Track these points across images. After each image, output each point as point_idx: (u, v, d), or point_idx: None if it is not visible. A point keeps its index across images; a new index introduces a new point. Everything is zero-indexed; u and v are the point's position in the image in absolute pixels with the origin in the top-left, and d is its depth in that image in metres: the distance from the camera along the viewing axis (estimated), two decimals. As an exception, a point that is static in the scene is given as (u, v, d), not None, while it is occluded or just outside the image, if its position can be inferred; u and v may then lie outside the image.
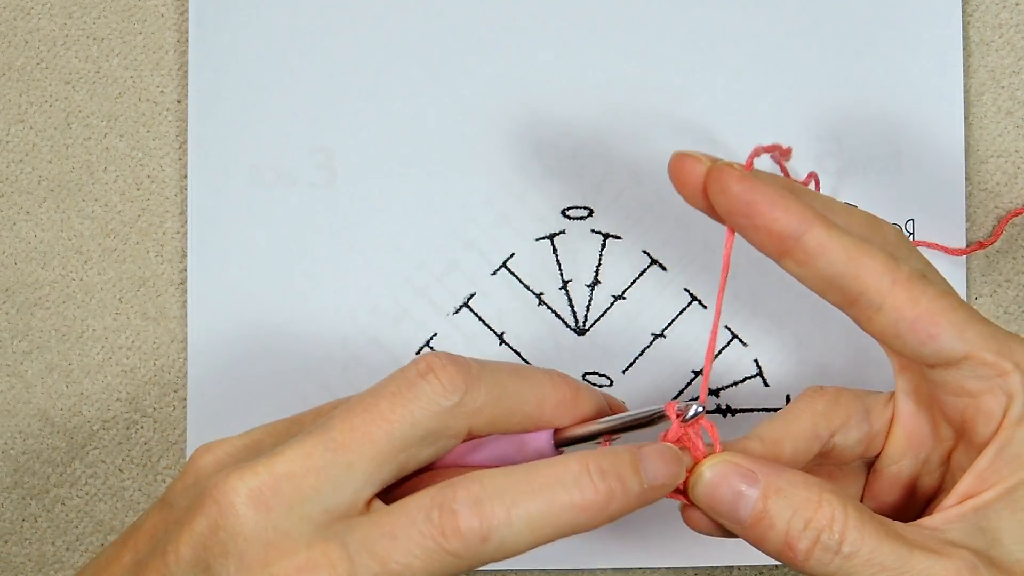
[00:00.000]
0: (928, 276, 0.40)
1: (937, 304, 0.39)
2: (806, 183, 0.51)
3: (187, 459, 0.46)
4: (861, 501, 0.44)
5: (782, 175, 0.43)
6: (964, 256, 0.54)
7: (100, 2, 0.56)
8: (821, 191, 0.52)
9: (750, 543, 0.40)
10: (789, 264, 0.40)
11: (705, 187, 0.40)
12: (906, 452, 0.43)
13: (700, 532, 0.41)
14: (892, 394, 0.44)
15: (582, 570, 0.54)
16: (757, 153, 0.41)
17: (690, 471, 0.40)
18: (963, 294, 0.54)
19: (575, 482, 0.38)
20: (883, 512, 0.44)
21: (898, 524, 0.39)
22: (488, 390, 0.39)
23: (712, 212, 0.41)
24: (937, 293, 0.39)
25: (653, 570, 0.54)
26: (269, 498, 0.38)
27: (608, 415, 0.42)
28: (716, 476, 0.40)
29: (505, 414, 0.40)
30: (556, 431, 0.42)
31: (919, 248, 0.53)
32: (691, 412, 0.40)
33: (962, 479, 0.39)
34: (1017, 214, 0.54)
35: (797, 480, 0.39)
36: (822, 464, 0.44)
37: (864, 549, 0.38)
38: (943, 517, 0.39)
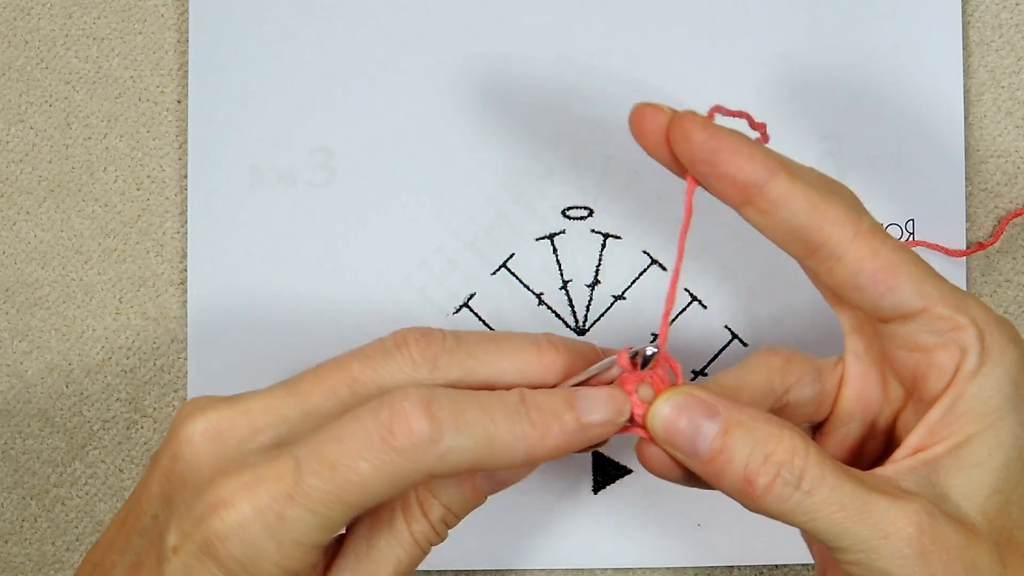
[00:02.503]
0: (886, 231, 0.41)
1: (897, 256, 0.39)
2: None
3: None
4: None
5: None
6: (965, 248, 0.54)
7: (100, 2, 0.56)
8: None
9: (708, 481, 0.39)
10: (750, 213, 0.39)
11: (667, 135, 0.39)
12: (854, 414, 0.43)
13: (656, 473, 0.40)
14: (841, 358, 0.44)
15: (582, 570, 0.54)
16: (718, 110, 0.40)
17: (650, 404, 0.39)
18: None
19: (515, 410, 0.38)
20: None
21: (854, 470, 0.39)
22: (460, 364, 0.39)
23: (673, 164, 0.40)
24: (896, 246, 0.39)
25: (653, 570, 0.54)
26: (225, 431, 0.39)
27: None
28: (676, 408, 0.39)
29: (479, 387, 0.40)
30: None
31: (919, 248, 0.53)
32: (648, 353, 0.39)
33: (913, 431, 0.39)
34: (1017, 215, 0.54)
35: (758, 415, 0.39)
36: None
37: (824, 487, 0.37)
38: (895, 468, 0.39)
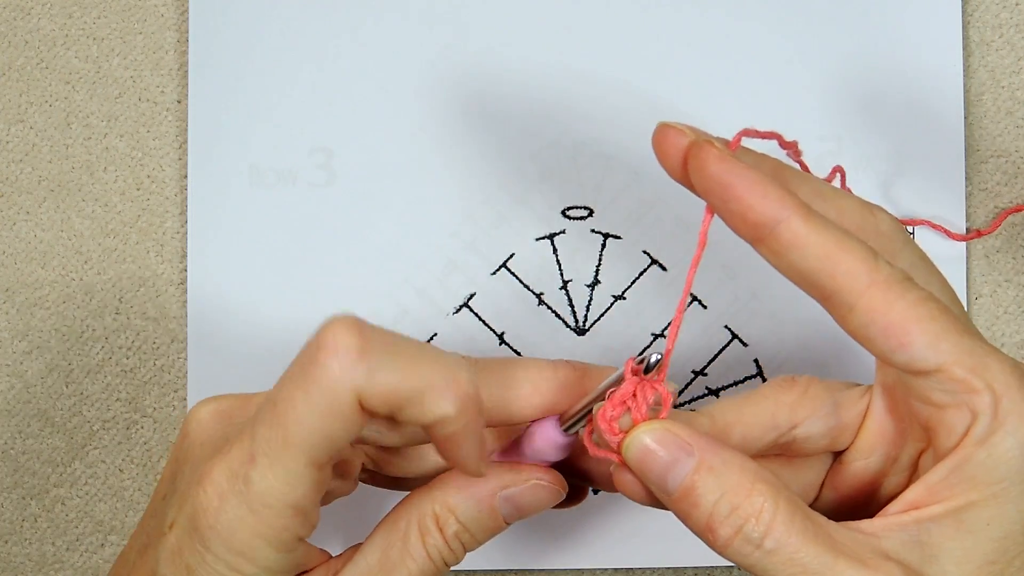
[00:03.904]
0: (914, 277, 0.39)
1: (914, 311, 0.37)
2: (829, 178, 0.49)
3: None
4: (820, 490, 0.43)
5: (774, 157, 0.42)
6: (964, 248, 0.54)
7: (100, 2, 0.56)
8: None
9: (676, 516, 0.39)
10: (764, 251, 0.38)
11: (685, 162, 0.39)
12: (876, 448, 0.42)
13: (630, 497, 0.40)
14: (869, 388, 0.42)
15: (582, 570, 0.54)
16: (746, 134, 0.39)
17: (627, 432, 0.39)
18: (963, 294, 0.54)
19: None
20: (842, 505, 0.43)
21: (833, 525, 0.38)
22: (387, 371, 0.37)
23: (694, 189, 0.40)
24: (916, 299, 0.37)
25: (653, 570, 0.54)
26: (231, 413, 0.41)
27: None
28: (652, 440, 0.38)
29: (498, 406, 0.40)
30: (561, 415, 0.41)
31: (920, 228, 0.53)
32: (652, 359, 0.38)
33: (911, 488, 0.38)
34: (1018, 210, 0.54)
35: (733, 462, 0.38)
36: (782, 454, 0.43)
37: (787, 548, 0.36)
38: (884, 523, 0.38)
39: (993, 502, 0.37)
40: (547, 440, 0.41)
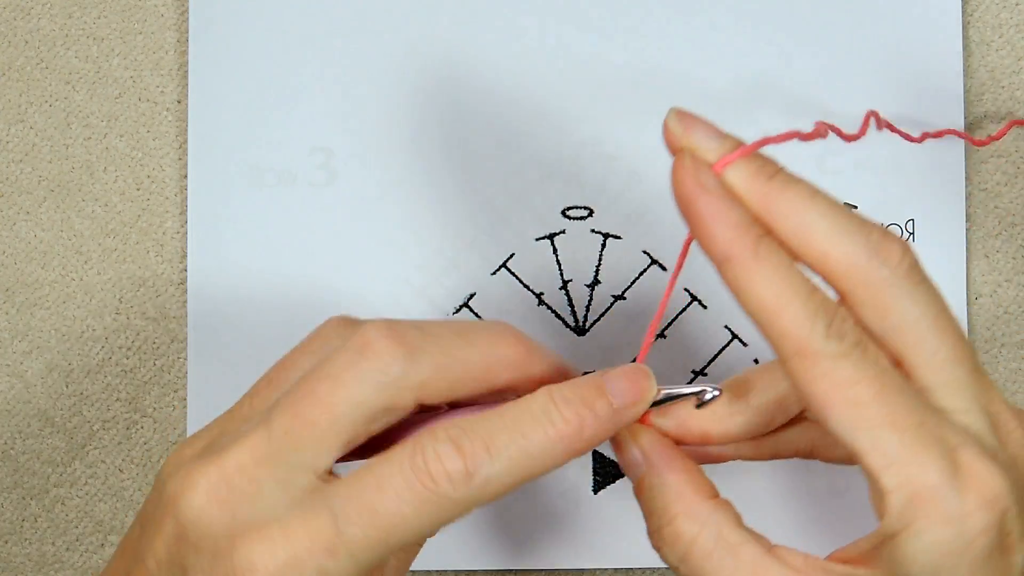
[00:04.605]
0: (904, 334, 0.37)
1: (836, 393, 0.36)
2: (863, 129, 0.46)
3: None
4: None
5: (783, 172, 0.40)
6: (964, 248, 0.54)
7: (100, 2, 0.56)
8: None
9: None
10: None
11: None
12: None
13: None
14: None
15: (582, 570, 0.54)
16: (765, 142, 0.38)
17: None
18: (963, 294, 0.54)
19: (544, 413, 0.38)
20: None
21: (766, 561, 0.37)
22: (431, 360, 0.38)
23: None
24: (847, 379, 0.36)
25: (653, 570, 0.54)
26: (225, 494, 0.38)
27: (564, 371, 0.41)
28: (618, 441, 0.40)
29: (452, 383, 0.39)
30: None
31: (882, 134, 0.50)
32: (708, 397, 0.40)
33: (852, 544, 0.38)
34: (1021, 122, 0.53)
35: (671, 487, 0.39)
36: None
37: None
38: (824, 567, 0.37)
39: None
40: None
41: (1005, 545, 0.36)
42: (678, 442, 0.41)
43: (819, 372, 0.36)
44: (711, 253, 0.37)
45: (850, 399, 0.36)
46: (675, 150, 0.38)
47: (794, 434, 0.43)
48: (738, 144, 0.38)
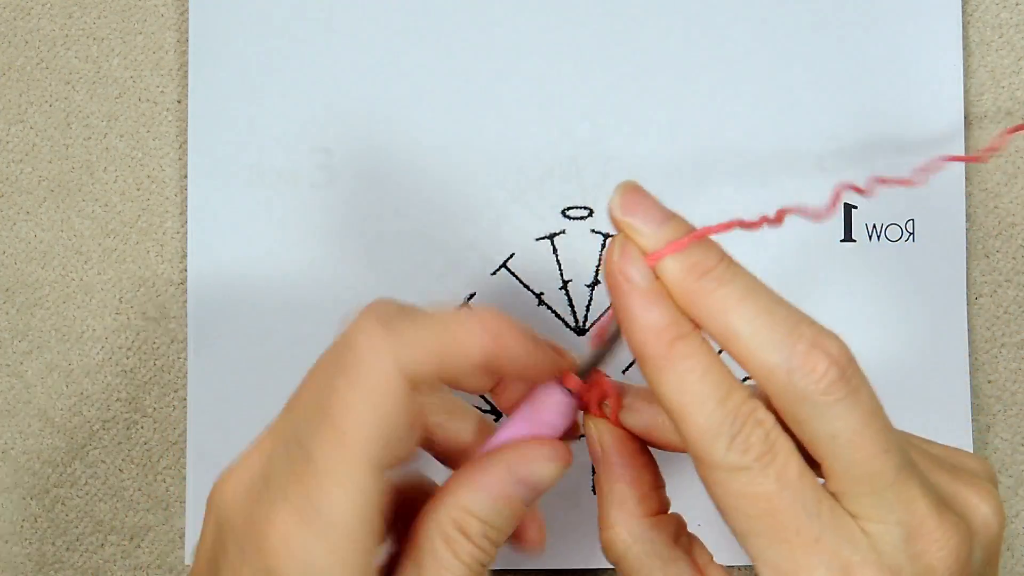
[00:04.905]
0: (809, 446, 0.36)
1: (729, 503, 0.36)
2: (833, 201, 0.43)
3: (188, 460, 0.53)
4: None
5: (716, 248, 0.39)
6: (964, 248, 0.54)
7: (100, 2, 0.56)
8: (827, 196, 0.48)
9: None
10: None
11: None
12: None
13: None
14: None
15: (583, 570, 0.54)
16: (689, 241, 0.37)
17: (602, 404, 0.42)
18: (963, 294, 0.54)
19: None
20: None
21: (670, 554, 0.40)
22: (416, 338, 0.38)
23: None
24: (738, 493, 0.36)
25: (653, 570, 0.54)
26: (260, 489, 0.38)
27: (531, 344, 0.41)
28: (587, 434, 0.42)
29: (441, 359, 0.38)
30: (561, 379, 0.41)
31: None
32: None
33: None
34: (1019, 129, 0.53)
35: (618, 494, 0.41)
36: None
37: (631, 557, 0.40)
38: None
39: None
40: (554, 403, 0.41)
41: None
42: (648, 443, 0.42)
43: (715, 480, 0.36)
44: (629, 346, 0.38)
45: (742, 510, 0.36)
46: (616, 228, 0.38)
47: None
48: (682, 229, 0.37)
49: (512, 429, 0.41)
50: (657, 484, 0.42)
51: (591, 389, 0.42)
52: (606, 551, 0.41)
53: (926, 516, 0.36)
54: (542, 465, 0.40)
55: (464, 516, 0.39)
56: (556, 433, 0.41)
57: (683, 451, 0.40)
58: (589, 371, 0.41)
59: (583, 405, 0.42)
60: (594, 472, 0.54)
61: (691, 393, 0.36)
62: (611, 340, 0.40)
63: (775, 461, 0.36)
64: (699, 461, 0.37)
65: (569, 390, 0.41)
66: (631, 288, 0.37)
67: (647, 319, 0.37)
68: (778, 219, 0.37)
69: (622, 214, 0.37)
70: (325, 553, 0.36)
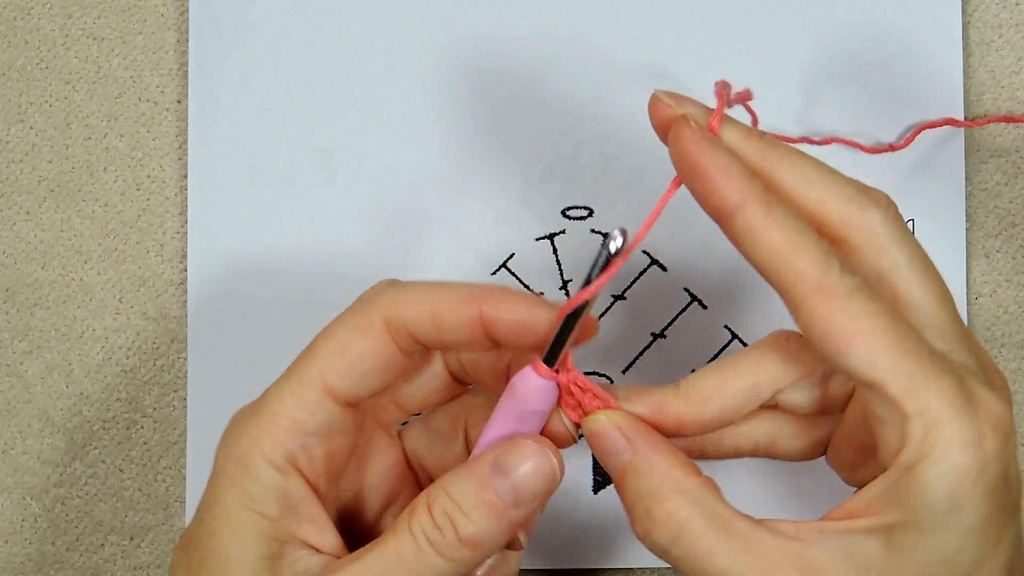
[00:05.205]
0: (894, 279, 0.39)
1: (855, 324, 0.36)
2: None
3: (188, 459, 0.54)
4: (828, 446, 0.43)
5: (768, 133, 0.41)
6: (964, 248, 0.54)
7: (100, 2, 0.56)
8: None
9: None
10: (726, 234, 0.39)
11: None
12: (860, 424, 0.42)
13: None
14: None
15: (582, 570, 0.54)
16: (727, 104, 0.40)
17: (586, 414, 0.41)
18: (963, 294, 0.54)
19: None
20: (842, 464, 0.43)
21: (760, 532, 0.38)
22: (416, 291, 0.41)
23: None
24: (861, 312, 0.36)
25: (653, 570, 0.54)
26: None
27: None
28: (597, 430, 0.41)
29: (437, 315, 0.41)
30: (536, 362, 0.41)
31: (835, 146, 0.52)
32: (617, 243, 0.38)
33: (852, 497, 0.38)
34: (932, 126, 0.53)
35: (659, 467, 0.39)
36: (777, 409, 0.43)
37: (693, 556, 0.38)
38: (819, 528, 0.38)
39: (916, 528, 0.36)
40: (529, 386, 0.41)
41: (1009, 476, 0.37)
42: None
43: (838, 306, 0.37)
44: (720, 205, 0.38)
45: (868, 329, 0.36)
46: (666, 121, 0.39)
47: (754, 426, 0.43)
48: (710, 108, 0.40)
49: (497, 424, 0.41)
50: (687, 455, 0.41)
51: (562, 373, 0.41)
52: (660, 533, 0.39)
53: (982, 352, 0.40)
54: (518, 454, 0.40)
55: (437, 491, 0.40)
56: (541, 418, 0.41)
57: (685, 435, 0.41)
58: (556, 355, 0.40)
59: (560, 389, 0.41)
60: (596, 473, 0.54)
61: (796, 228, 0.37)
62: (573, 317, 0.40)
63: (874, 286, 0.38)
64: (818, 292, 0.37)
65: (543, 376, 0.41)
66: (716, 148, 0.38)
67: (740, 169, 0.38)
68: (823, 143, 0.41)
69: (676, 103, 0.39)
70: (253, 433, 0.41)
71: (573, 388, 0.41)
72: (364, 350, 0.41)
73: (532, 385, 0.41)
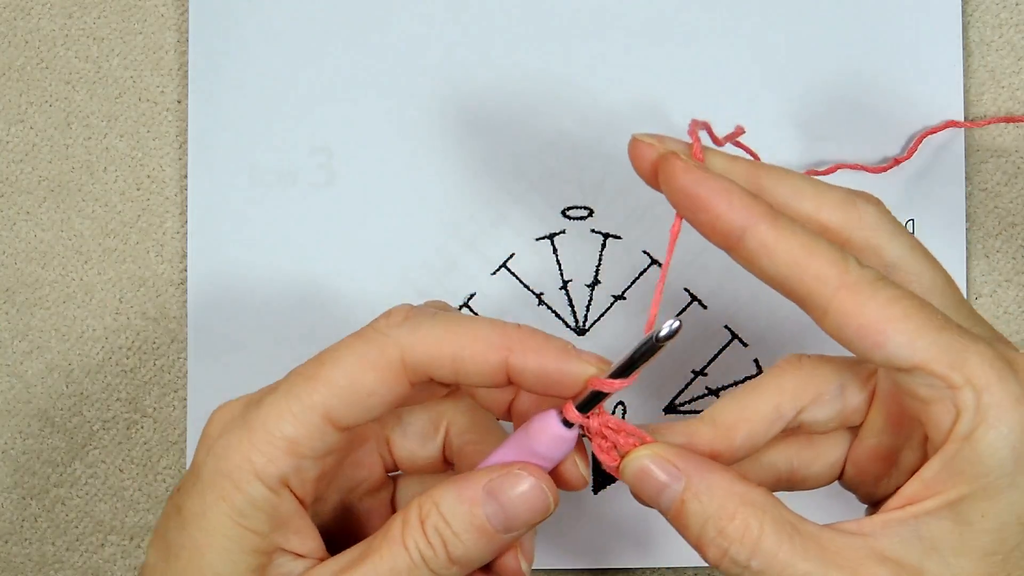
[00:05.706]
0: (902, 269, 0.40)
1: (887, 311, 0.37)
2: (733, 135, 0.47)
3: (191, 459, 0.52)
4: (844, 466, 0.43)
5: (747, 159, 0.42)
6: (964, 248, 0.54)
7: (100, 2, 0.56)
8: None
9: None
10: (736, 258, 0.39)
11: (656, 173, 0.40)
12: (885, 429, 0.42)
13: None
14: (876, 370, 0.42)
15: (582, 570, 0.54)
16: (694, 130, 0.40)
17: (623, 456, 0.40)
18: (963, 294, 0.54)
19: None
20: (863, 477, 0.43)
21: (827, 533, 0.38)
22: (431, 328, 0.40)
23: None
24: (889, 298, 0.37)
25: (653, 570, 0.54)
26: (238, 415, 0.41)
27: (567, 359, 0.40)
28: (644, 466, 0.40)
29: (454, 354, 0.39)
30: (561, 409, 0.40)
31: (840, 171, 0.53)
32: (665, 331, 0.38)
33: (908, 483, 0.38)
34: (934, 131, 0.53)
35: (719, 486, 0.39)
36: (796, 434, 0.43)
37: (775, 566, 0.37)
38: (883, 520, 0.38)
39: (983, 495, 0.37)
40: (548, 433, 0.40)
41: None
42: None
43: (865, 298, 0.37)
44: (727, 229, 0.38)
45: (900, 314, 0.37)
46: (650, 163, 0.40)
47: (774, 456, 0.43)
48: (687, 143, 0.41)
49: (502, 453, 0.41)
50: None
51: (592, 417, 0.40)
52: (737, 549, 0.38)
53: (991, 328, 0.42)
54: (517, 482, 0.40)
55: (429, 506, 0.40)
56: (548, 464, 0.40)
57: (719, 461, 0.40)
58: (593, 404, 0.40)
59: (589, 436, 0.40)
60: (596, 473, 0.54)
61: (807, 237, 0.38)
62: (631, 364, 0.39)
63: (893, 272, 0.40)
64: (844, 289, 0.37)
65: (568, 422, 0.40)
66: (712, 177, 0.39)
67: (740, 192, 0.39)
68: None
69: (659, 141, 0.40)
70: (244, 446, 0.39)
71: (606, 431, 0.40)
72: (375, 387, 0.39)
73: (551, 434, 0.40)
